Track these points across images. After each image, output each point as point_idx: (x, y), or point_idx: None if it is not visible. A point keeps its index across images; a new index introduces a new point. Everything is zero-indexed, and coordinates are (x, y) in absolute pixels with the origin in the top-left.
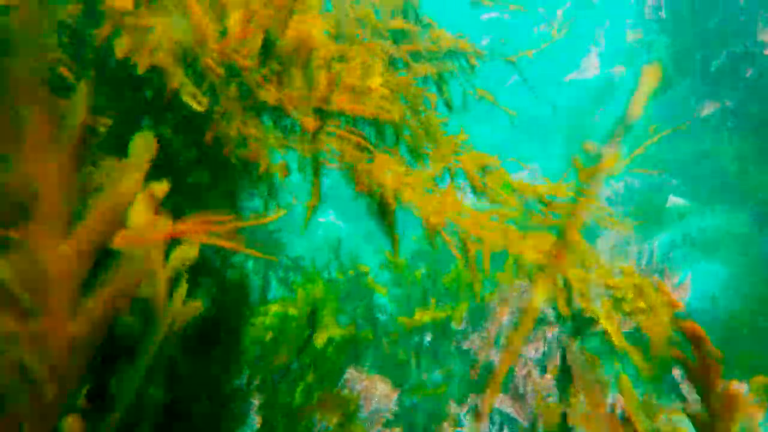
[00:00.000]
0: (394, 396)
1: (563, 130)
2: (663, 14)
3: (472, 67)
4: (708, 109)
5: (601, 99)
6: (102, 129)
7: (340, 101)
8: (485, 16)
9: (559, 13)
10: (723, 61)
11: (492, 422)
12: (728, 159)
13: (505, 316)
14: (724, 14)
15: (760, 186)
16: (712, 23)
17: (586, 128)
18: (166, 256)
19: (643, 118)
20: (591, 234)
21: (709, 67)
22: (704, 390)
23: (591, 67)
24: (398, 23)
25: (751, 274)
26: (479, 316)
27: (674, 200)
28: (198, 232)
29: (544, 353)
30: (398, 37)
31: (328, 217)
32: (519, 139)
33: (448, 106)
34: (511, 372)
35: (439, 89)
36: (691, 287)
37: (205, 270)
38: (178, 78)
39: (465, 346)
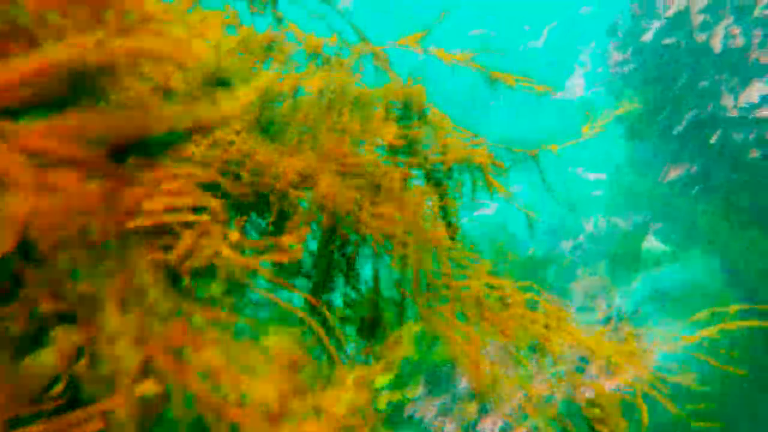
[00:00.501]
0: None
1: (549, 153)
2: (627, 69)
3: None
4: (675, 172)
5: (587, 121)
6: None
7: None
8: (473, 33)
9: (546, 30)
10: (688, 125)
11: None
12: (697, 213)
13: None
14: (691, 76)
15: (730, 243)
16: (678, 84)
17: (570, 151)
18: None
19: (625, 155)
20: (567, 276)
21: (673, 129)
22: None
23: (576, 87)
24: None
25: (722, 336)
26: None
27: (652, 243)
28: None
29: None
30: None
31: None
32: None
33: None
34: None
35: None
36: (657, 348)
37: None
38: None
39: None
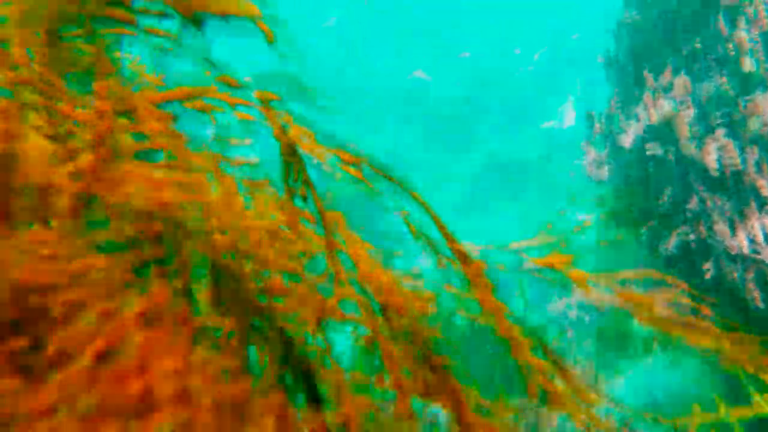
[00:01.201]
0: None
1: (536, 180)
2: (605, 174)
3: None
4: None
5: (579, 151)
6: None
7: None
8: (462, 55)
9: (536, 56)
10: (676, 248)
11: None
12: None
13: None
14: (679, 192)
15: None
16: (665, 199)
17: (559, 184)
18: None
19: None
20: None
21: (659, 248)
22: None
23: (567, 115)
24: None
25: None
26: None
27: (642, 326)
28: None
29: None
30: None
31: None
32: (491, 184)
33: None
34: None
35: None
36: None
37: None
38: None
39: None
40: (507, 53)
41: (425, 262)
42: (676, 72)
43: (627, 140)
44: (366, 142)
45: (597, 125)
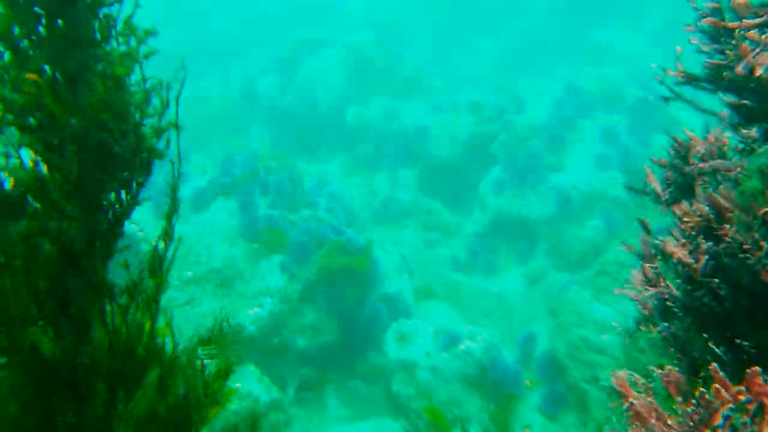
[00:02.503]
0: None
1: (545, 237)
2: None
3: None
4: None
5: (591, 207)
6: None
7: None
8: (472, 99)
9: (547, 102)
10: None
11: None
12: None
13: None
14: None
15: None
16: None
17: (570, 241)
18: None
19: None
20: None
21: None
22: None
23: (579, 168)
24: None
25: None
26: None
27: None
28: None
29: None
30: None
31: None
32: (496, 242)
33: None
34: None
35: None
36: None
37: None
38: None
39: None
40: (519, 98)
41: None
42: None
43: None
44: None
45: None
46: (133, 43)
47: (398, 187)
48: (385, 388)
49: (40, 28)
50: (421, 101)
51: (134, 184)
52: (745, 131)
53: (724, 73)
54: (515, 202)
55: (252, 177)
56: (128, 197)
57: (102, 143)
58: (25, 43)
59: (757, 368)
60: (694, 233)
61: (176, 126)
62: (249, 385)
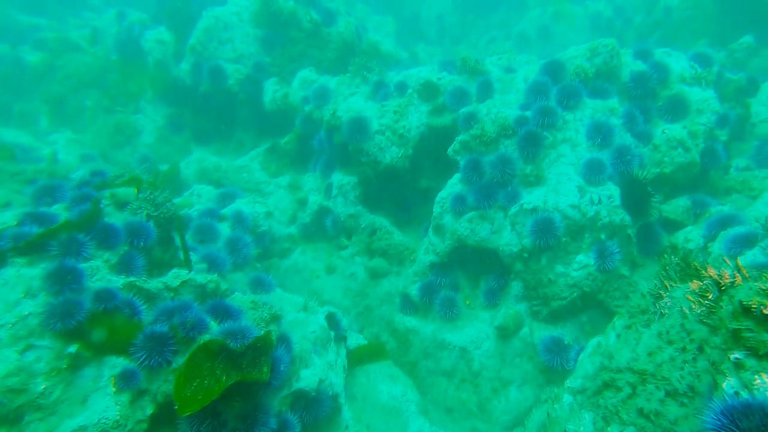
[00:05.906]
0: None
1: (521, 275)
2: None
3: None
4: None
5: (579, 238)
6: None
7: None
8: None
9: (520, 86)
10: None
11: None
12: None
13: None
14: None
15: None
16: None
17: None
18: None
19: None
20: None
21: None
22: None
23: (563, 181)
24: None
25: None
26: None
27: None
28: None
29: None
30: None
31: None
32: (456, 275)
33: None
34: None
35: None
36: None
37: None
38: None
39: None
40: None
41: None
42: None
43: None
44: None
45: None
46: None
47: (334, 197)
48: None
49: None
50: (360, 77)
51: None
52: None
53: None
54: (480, 228)
55: (87, 219)
56: None
57: None
58: None
59: None
60: None
61: None
62: None
